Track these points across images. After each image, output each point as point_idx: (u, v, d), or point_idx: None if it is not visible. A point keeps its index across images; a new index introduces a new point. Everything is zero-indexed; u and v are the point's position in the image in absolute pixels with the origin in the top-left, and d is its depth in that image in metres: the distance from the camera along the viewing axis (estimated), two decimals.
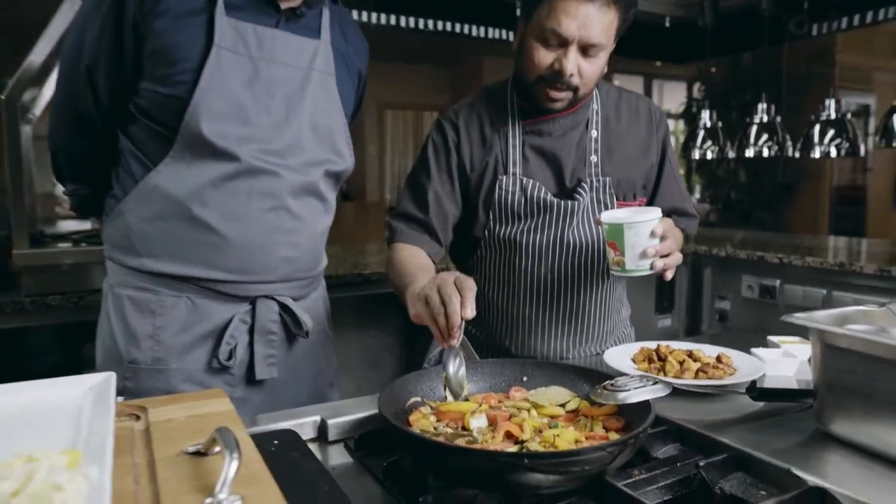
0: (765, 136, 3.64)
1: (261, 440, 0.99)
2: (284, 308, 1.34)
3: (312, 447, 1.07)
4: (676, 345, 1.39)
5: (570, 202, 1.43)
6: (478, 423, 1.01)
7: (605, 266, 1.48)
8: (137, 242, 1.25)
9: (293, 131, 1.29)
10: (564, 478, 0.79)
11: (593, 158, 1.47)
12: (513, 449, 0.88)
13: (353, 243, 3.54)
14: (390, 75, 7.21)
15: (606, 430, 0.98)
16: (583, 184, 1.46)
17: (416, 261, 1.40)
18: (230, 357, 1.28)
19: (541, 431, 0.96)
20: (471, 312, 1.02)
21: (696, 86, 7.70)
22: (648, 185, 1.55)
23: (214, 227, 1.24)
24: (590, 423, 1.01)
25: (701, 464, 0.91)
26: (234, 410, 0.90)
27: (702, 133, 3.94)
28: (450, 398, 1.05)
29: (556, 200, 1.43)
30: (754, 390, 1.09)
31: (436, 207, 1.48)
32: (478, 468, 0.80)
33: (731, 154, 3.86)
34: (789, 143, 3.62)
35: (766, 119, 3.65)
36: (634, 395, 0.96)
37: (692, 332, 3.46)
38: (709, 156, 3.92)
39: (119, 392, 1.25)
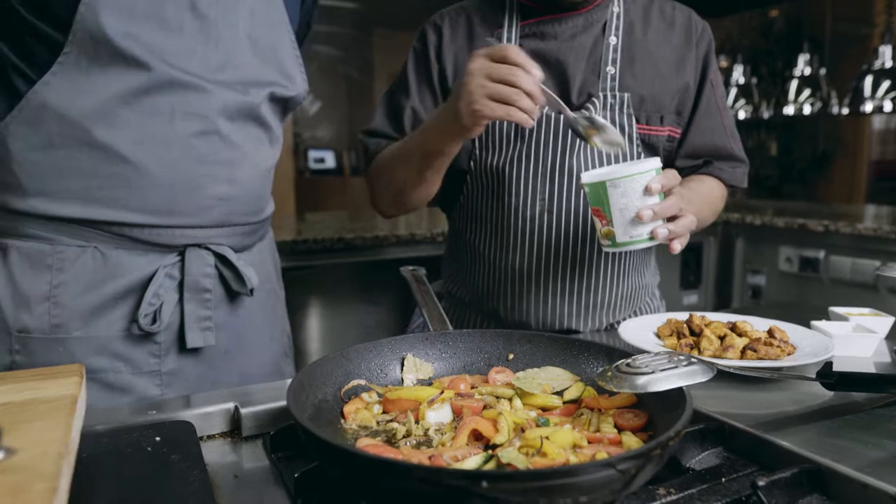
0: (806, 92, 3.25)
1: (140, 435, 0.72)
2: (222, 260, 1.06)
3: (221, 446, 0.79)
4: (714, 316, 1.08)
5: None
6: (437, 416, 0.72)
7: None
8: (24, 177, 0.97)
9: (226, 43, 1.02)
10: None
11: (610, 70, 1.17)
12: (476, 459, 0.59)
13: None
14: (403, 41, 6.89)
15: (619, 429, 0.69)
16: (594, 99, 1.17)
17: (397, 146, 1.19)
18: (154, 321, 1.00)
19: (524, 431, 0.66)
20: (538, 71, 0.94)
21: (730, 41, 7.26)
22: (683, 111, 1.23)
23: (125, 154, 0.96)
24: (596, 420, 0.71)
25: (760, 483, 0.61)
26: (74, 396, 0.62)
27: (734, 91, 3.56)
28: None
29: (552, 115, 1.15)
30: (831, 375, 0.79)
31: (413, 126, 1.23)
32: (412, 492, 0.50)
33: (767, 114, 3.48)
34: (834, 98, 3.22)
35: (807, 72, 3.26)
36: (662, 381, 0.66)
37: (721, 309, 3.13)
38: (741, 115, 3.54)
39: (7, 369, 0.98)
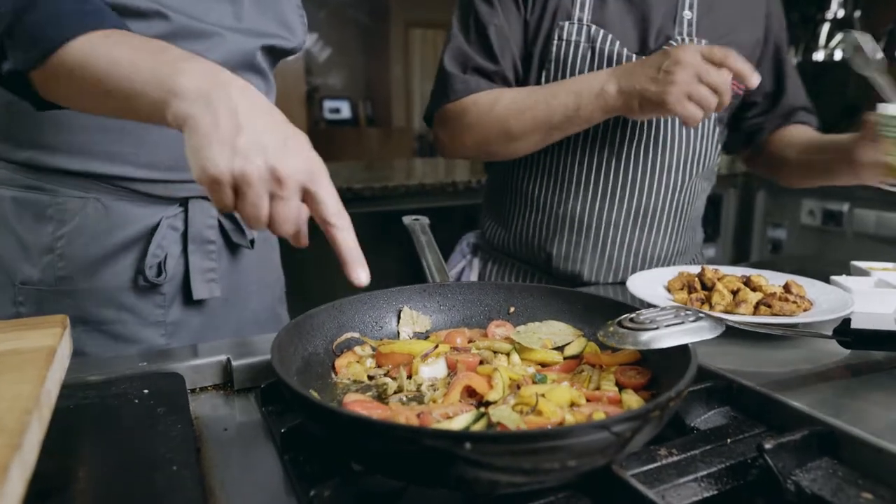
0: (838, 37, 3.09)
1: (129, 387, 0.71)
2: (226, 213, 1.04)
3: (213, 398, 0.78)
4: (727, 270, 1.04)
5: None
6: (431, 371, 0.69)
7: (689, 159, 1.14)
8: (18, 129, 0.94)
9: None
10: (534, 477, 0.46)
11: (687, 14, 1.12)
12: (466, 418, 0.56)
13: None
14: None
15: (621, 387, 0.66)
16: (671, 43, 1.11)
17: (529, 94, 1.11)
18: (160, 272, 0.99)
19: (519, 388, 0.63)
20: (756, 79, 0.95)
21: None
22: (756, 65, 1.16)
23: None
24: (596, 377, 0.68)
25: (766, 445, 0.57)
26: (51, 348, 0.60)
27: None
28: None
29: (633, 57, 1.10)
30: (847, 333, 0.74)
31: (501, 46, 1.14)
32: (395, 452, 0.48)
33: (795, 60, 3.32)
34: None
35: (841, 14, 3.08)
36: (666, 337, 0.63)
37: (741, 262, 3.06)
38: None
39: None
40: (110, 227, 0.96)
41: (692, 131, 1.13)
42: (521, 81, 1.19)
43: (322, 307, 0.75)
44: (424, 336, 0.80)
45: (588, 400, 0.62)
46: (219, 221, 1.04)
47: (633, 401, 0.61)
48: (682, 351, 0.61)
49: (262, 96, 0.64)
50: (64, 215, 0.94)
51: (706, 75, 0.92)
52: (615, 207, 1.15)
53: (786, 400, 0.67)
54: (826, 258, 2.50)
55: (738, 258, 3.07)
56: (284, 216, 0.61)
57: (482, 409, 0.59)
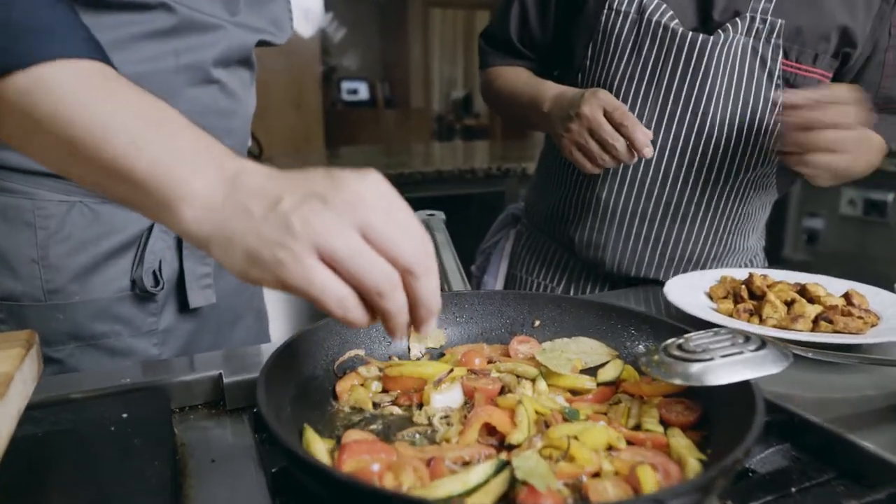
0: None
1: (107, 410, 0.63)
2: None
3: (202, 420, 0.70)
4: (777, 274, 0.93)
5: (702, 37, 0.97)
6: (445, 400, 0.60)
7: (734, 156, 1.01)
8: None
9: None
10: None
11: None
12: (484, 469, 0.47)
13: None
14: None
15: (666, 424, 0.56)
16: (737, 19, 0.96)
17: (516, 83, 1.15)
18: (157, 282, 0.91)
19: (547, 426, 0.54)
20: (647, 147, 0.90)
21: None
22: (847, 53, 1.00)
23: None
24: (636, 411, 0.58)
25: None
26: (9, 374, 0.51)
27: None
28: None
29: (680, 30, 0.97)
30: None
31: (518, 21, 1.16)
32: None
33: None
34: None
35: None
36: (722, 370, 0.53)
37: (772, 255, 2.92)
38: None
39: None
40: (99, 233, 0.88)
41: (746, 122, 0.99)
42: (565, 55, 1.12)
43: (322, 322, 0.66)
44: (439, 353, 0.71)
45: (628, 442, 0.53)
46: None
47: (682, 446, 0.51)
48: (743, 387, 0.52)
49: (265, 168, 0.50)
50: (46, 221, 0.85)
51: (598, 131, 0.91)
52: (644, 197, 1.05)
53: (858, 442, 0.57)
54: (869, 253, 2.37)
55: (771, 248, 2.93)
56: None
57: (504, 457, 0.50)
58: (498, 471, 0.47)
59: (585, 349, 0.69)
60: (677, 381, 0.54)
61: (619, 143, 0.90)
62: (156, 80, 0.83)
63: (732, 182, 1.04)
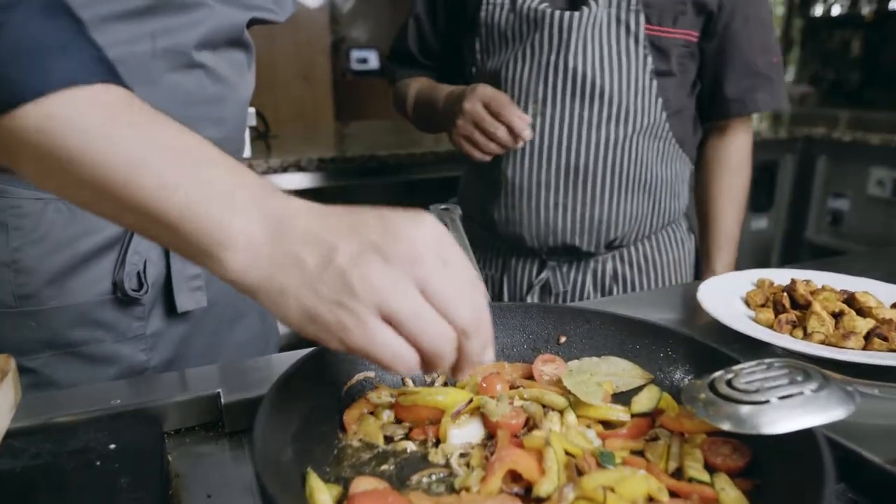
0: None
1: (92, 440, 0.58)
2: None
3: (198, 444, 0.65)
4: (818, 276, 0.86)
5: (568, 14, 1.04)
6: (463, 435, 0.55)
7: (622, 114, 1.07)
8: None
9: None
10: None
11: None
12: None
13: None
14: None
15: (712, 469, 0.50)
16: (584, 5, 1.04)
17: (421, 91, 1.24)
18: (140, 284, 0.84)
19: (579, 472, 0.48)
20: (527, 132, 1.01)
21: None
22: (709, 12, 1.08)
23: None
24: (678, 451, 0.52)
25: None
26: None
27: None
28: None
29: (548, 11, 1.05)
30: None
31: (415, 35, 1.26)
32: None
33: (867, 9, 3.00)
34: None
35: None
36: (779, 416, 0.47)
37: (794, 236, 2.83)
38: (835, 11, 3.06)
39: None
40: (77, 233, 0.80)
41: (623, 84, 1.05)
42: (460, 56, 1.22)
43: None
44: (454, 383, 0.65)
45: (671, 493, 0.47)
46: None
47: (733, 502, 0.45)
48: (805, 438, 0.45)
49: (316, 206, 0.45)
50: (21, 221, 0.78)
51: (481, 123, 1.00)
52: (544, 167, 1.10)
53: None
54: None
55: (793, 229, 2.84)
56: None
57: None
58: None
59: (617, 371, 0.63)
60: (727, 427, 0.48)
61: (500, 131, 0.99)
62: (132, 65, 0.76)
63: (626, 143, 1.08)
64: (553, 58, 1.05)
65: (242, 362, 0.75)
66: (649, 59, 1.05)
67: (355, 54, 7.45)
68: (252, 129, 2.00)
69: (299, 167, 1.85)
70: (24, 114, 0.42)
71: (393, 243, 0.42)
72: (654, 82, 1.06)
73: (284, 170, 1.85)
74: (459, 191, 1.36)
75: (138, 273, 0.83)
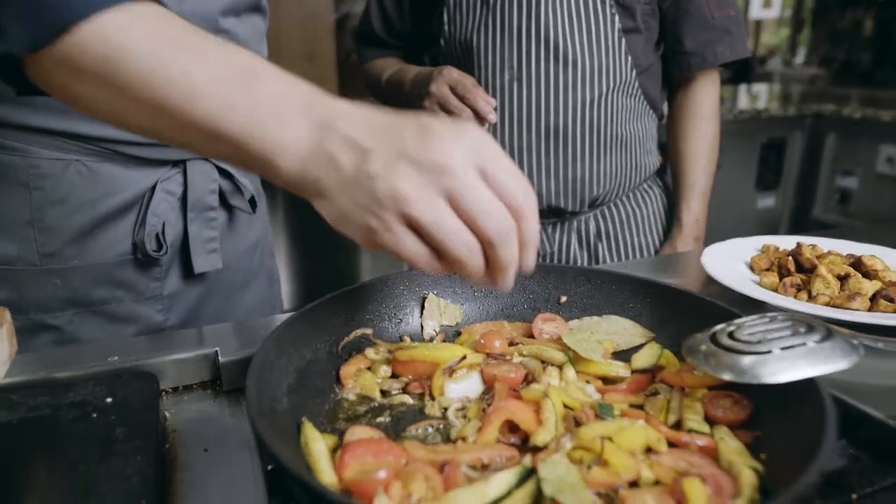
0: None
1: (89, 394, 0.58)
2: (224, 173, 0.90)
3: (197, 401, 0.64)
4: (827, 243, 0.85)
5: None
6: (460, 389, 0.54)
7: (595, 73, 1.08)
8: None
9: None
10: None
11: None
12: (506, 478, 0.41)
13: None
14: None
15: (711, 421, 0.50)
16: None
17: (393, 73, 1.23)
18: (159, 245, 0.85)
19: (577, 423, 0.48)
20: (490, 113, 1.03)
21: None
22: None
23: None
24: (677, 405, 0.52)
25: None
26: None
27: None
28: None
29: None
30: None
31: (378, 14, 1.27)
32: None
33: None
34: None
35: None
36: (782, 366, 0.46)
37: (801, 215, 2.80)
38: None
39: None
40: (97, 195, 0.81)
41: (594, 44, 1.07)
42: (426, 34, 1.21)
43: (324, 299, 0.59)
44: (455, 332, 0.65)
45: (670, 443, 0.47)
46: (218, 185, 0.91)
47: (732, 453, 0.45)
48: (807, 388, 0.45)
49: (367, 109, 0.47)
50: (42, 181, 0.79)
51: (446, 106, 1.04)
52: (524, 130, 1.11)
53: None
54: None
55: (800, 207, 2.82)
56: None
57: (528, 460, 0.44)
58: (521, 480, 0.41)
59: (618, 329, 0.63)
60: (728, 377, 0.47)
61: (465, 114, 1.02)
62: None
63: (598, 99, 1.09)
64: (525, 22, 1.06)
65: (240, 322, 0.75)
66: (616, 18, 1.07)
67: None
68: None
69: None
70: (79, 36, 0.44)
71: (426, 153, 0.43)
72: (623, 40, 1.08)
73: None
74: None
75: (157, 234, 0.85)
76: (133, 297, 0.85)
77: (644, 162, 1.19)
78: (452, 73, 1.04)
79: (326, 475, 0.42)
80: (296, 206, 2.48)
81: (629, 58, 1.09)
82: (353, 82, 5.91)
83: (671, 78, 1.19)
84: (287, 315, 0.78)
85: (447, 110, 1.03)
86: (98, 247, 0.83)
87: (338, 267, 2.57)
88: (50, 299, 0.81)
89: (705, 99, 1.20)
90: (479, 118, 1.02)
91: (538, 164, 1.12)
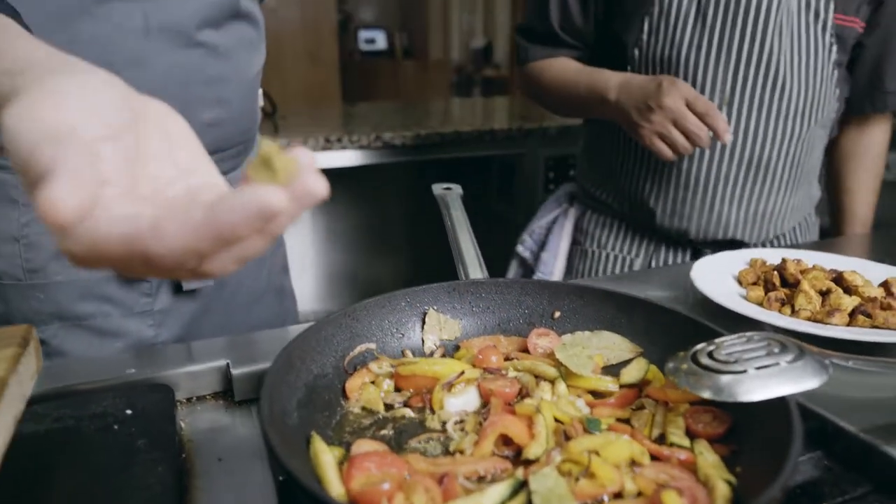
0: None
1: (110, 405, 0.62)
2: None
3: (210, 411, 0.68)
4: (810, 256, 0.88)
5: None
6: (459, 403, 0.58)
7: (807, 105, 1.05)
8: None
9: None
10: None
11: None
12: (500, 490, 0.45)
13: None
14: None
15: (692, 436, 0.53)
16: None
17: (566, 74, 1.16)
18: None
19: (567, 437, 0.51)
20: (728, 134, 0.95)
21: None
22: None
23: None
24: (661, 419, 0.55)
25: None
26: (3, 381, 0.49)
27: None
28: None
29: None
30: None
31: (559, 11, 1.16)
32: None
33: None
34: None
35: None
36: (756, 385, 0.49)
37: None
38: None
39: None
40: None
41: (811, 75, 1.03)
42: (610, 37, 1.14)
43: (332, 316, 0.63)
44: (454, 346, 0.68)
45: (653, 458, 0.50)
46: None
47: (709, 466, 0.48)
48: (778, 406, 0.48)
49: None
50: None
51: (682, 121, 0.94)
52: (726, 160, 1.07)
53: None
54: None
55: None
56: None
57: (520, 472, 0.47)
58: (514, 493, 0.45)
59: (608, 344, 0.66)
60: (707, 395, 0.50)
61: (704, 133, 0.94)
62: (125, 45, 0.76)
63: (805, 132, 1.07)
64: (747, 45, 1.01)
65: (248, 335, 0.79)
66: (834, 49, 1.03)
67: (363, 34, 7.42)
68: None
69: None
70: None
71: None
72: (835, 72, 1.05)
73: None
74: (581, 172, 1.33)
75: None
76: (121, 312, 0.86)
77: (816, 196, 1.19)
78: (688, 88, 0.96)
79: (335, 486, 0.46)
80: (327, 215, 2.48)
81: (836, 91, 1.07)
82: (354, 83, 5.95)
83: (854, 112, 1.18)
84: (292, 327, 0.82)
85: (680, 127, 0.95)
86: None
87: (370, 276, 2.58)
88: (35, 313, 0.83)
89: (880, 136, 1.20)
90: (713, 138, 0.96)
91: (731, 194, 1.08)
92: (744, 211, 1.09)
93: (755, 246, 1.13)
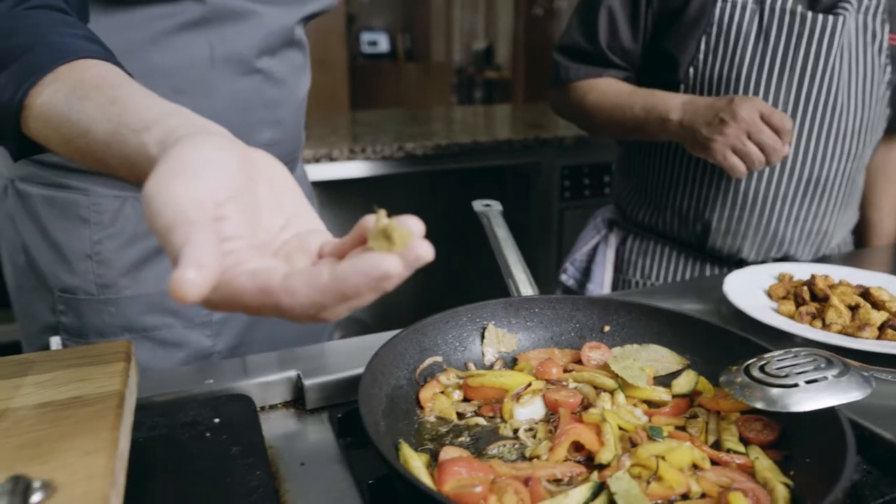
0: None
1: (198, 414, 0.66)
2: None
3: (284, 419, 0.73)
4: (837, 272, 0.94)
5: (832, 19, 1.00)
6: (528, 412, 0.63)
7: (864, 124, 1.07)
8: None
9: None
10: None
11: None
12: (582, 492, 0.50)
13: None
14: None
15: (746, 442, 0.58)
16: (837, 10, 1.01)
17: (617, 95, 1.13)
18: None
19: (633, 444, 0.56)
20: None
21: None
22: None
23: None
24: (715, 427, 0.60)
25: None
26: (118, 394, 0.54)
27: None
28: None
29: (809, 15, 1.01)
30: None
31: (607, 29, 1.14)
32: None
33: None
34: None
35: None
36: (807, 397, 0.54)
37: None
38: None
39: (54, 330, 0.88)
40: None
41: (868, 95, 1.05)
42: (660, 57, 1.13)
43: (402, 333, 0.68)
44: (511, 358, 0.73)
45: (712, 462, 0.55)
46: None
47: (766, 470, 0.53)
48: (828, 417, 0.53)
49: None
50: (101, 217, 0.86)
51: (757, 134, 0.93)
52: (785, 178, 1.07)
53: None
54: None
55: None
56: None
57: (595, 476, 0.52)
58: (595, 494, 0.50)
59: (657, 357, 0.71)
60: (760, 406, 0.55)
61: (780, 146, 0.93)
62: (192, 74, 0.82)
63: (860, 152, 1.09)
64: (811, 65, 1.01)
65: (310, 347, 0.84)
66: (888, 70, 1.05)
67: (365, 37, 7.46)
68: None
69: (330, 158, 1.92)
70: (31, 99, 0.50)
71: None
72: (888, 93, 1.07)
73: (317, 161, 1.92)
74: (620, 194, 1.32)
75: None
76: (183, 323, 0.91)
77: (857, 214, 1.22)
78: (762, 103, 0.95)
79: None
80: (344, 224, 2.52)
81: (888, 111, 1.09)
82: (359, 87, 5.99)
83: (890, 131, 1.20)
84: (353, 339, 0.87)
85: (755, 140, 0.94)
86: (150, 277, 0.89)
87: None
88: (106, 325, 0.88)
89: None
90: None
91: (788, 212, 1.09)
92: (799, 229, 1.10)
93: (802, 261, 1.15)
